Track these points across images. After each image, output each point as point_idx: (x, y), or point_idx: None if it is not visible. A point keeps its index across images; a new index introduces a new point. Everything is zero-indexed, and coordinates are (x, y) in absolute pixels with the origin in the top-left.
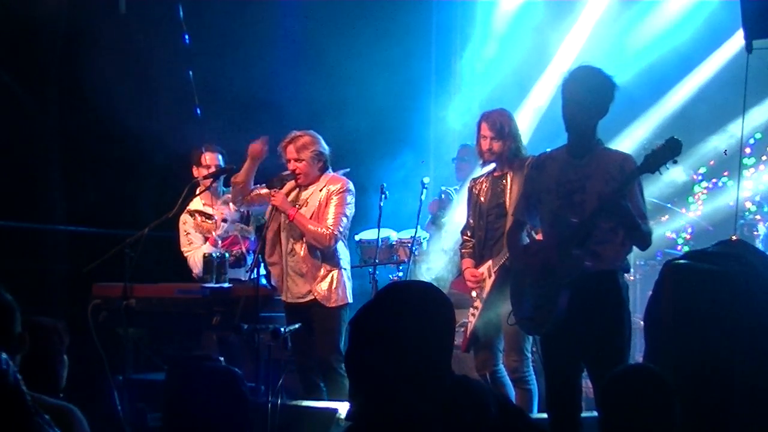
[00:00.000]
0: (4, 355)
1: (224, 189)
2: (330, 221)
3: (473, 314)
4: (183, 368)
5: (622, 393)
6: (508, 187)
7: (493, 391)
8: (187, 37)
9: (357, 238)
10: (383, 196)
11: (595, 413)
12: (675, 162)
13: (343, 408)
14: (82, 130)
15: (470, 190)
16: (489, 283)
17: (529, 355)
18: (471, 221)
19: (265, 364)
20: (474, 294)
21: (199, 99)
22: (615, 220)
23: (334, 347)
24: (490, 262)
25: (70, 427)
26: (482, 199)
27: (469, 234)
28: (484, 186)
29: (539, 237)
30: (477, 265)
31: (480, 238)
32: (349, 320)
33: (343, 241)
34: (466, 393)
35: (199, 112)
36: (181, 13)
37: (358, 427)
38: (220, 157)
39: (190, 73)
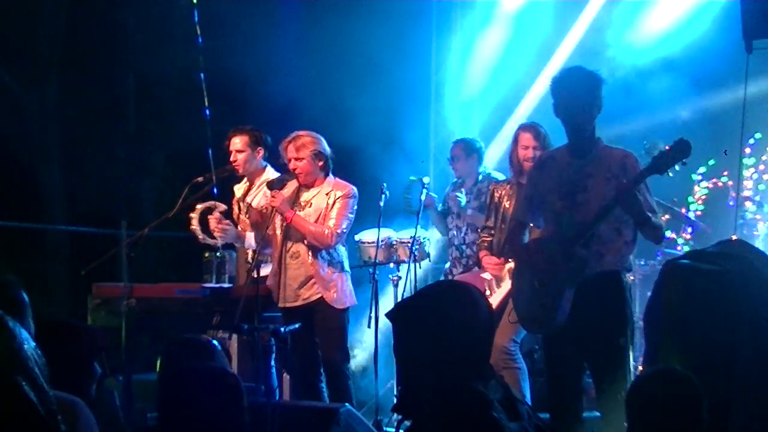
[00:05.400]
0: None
1: (265, 163)
2: (332, 222)
3: None
4: (178, 370)
5: (651, 395)
6: None
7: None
8: (200, 39)
9: (357, 238)
10: (383, 196)
11: (597, 413)
12: (684, 164)
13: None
14: (82, 130)
15: (492, 194)
16: (507, 285)
17: (518, 341)
18: (489, 223)
19: (265, 364)
20: (488, 291)
21: (209, 100)
22: (628, 214)
23: (340, 346)
24: (511, 265)
25: (74, 420)
26: (506, 204)
27: (486, 233)
28: (510, 191)
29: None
30: None
31: (500, 240)
32: (386, 314)
33: (343, 244)
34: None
35: (208, 113)
36: (197, 16)
37: (406, 417)
38: (248, 138)
39: (202, 75)
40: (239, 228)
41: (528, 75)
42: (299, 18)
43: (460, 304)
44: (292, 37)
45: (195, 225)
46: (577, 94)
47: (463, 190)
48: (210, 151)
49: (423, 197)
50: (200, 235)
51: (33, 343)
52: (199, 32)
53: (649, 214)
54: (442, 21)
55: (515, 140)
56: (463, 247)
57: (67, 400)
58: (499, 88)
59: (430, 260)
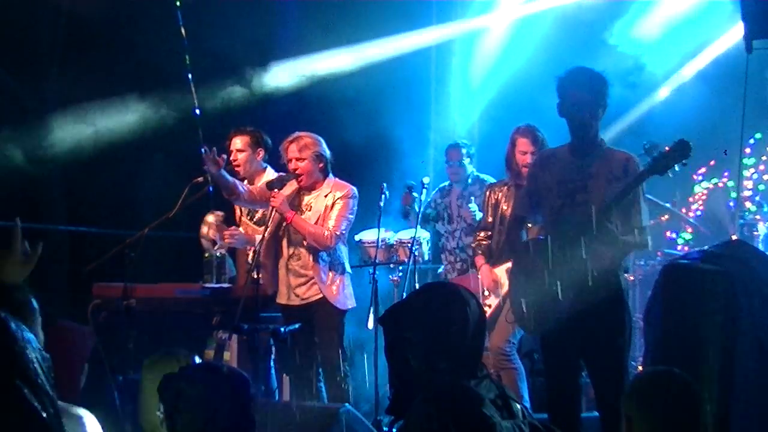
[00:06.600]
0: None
1: (266, 165)
2: (331, 223)
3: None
4: (187, 370)
5: (647, 397)
6: None
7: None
8: (186, 42)
9: (357, 238)
10: (383, 196)
11: (596, 413)
12: (684, 164)
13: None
14: (81, 130)
15: (488, 196)
16: (505, 286)
17: (515, 342)
18: (489, 219)
19: (265, 364)
20: (486, 293)
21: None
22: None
23: (338, 344)
24: (509, 265)
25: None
26: (505, 207)
27: (483, 234)
28: (508, 193)
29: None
30: (492, 264)
31: (498, 242)
32: (378, 319)
33: (343, 245)
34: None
35: (198, 112)
36: (181, 19)
37: (400, 417)
38: (248, 138)
39: (190, 76)
40: (240, 230)
41: (528, 74)
42: (297, 19)
43: (450, 305)
44: (291, 38)
45: (210, 235)
46: (583, 94)
47: (473, 198)
48: (203, 151)
49: (423, 197)
50: (211, 248)
51: (37, 345)
52: (184, 34)
53: (620, 238)
54: (442, 21)
55: (512, 144)
56: (457, 251)
57: (72, 414)
58: (499, 88)
59: (430, 261)
